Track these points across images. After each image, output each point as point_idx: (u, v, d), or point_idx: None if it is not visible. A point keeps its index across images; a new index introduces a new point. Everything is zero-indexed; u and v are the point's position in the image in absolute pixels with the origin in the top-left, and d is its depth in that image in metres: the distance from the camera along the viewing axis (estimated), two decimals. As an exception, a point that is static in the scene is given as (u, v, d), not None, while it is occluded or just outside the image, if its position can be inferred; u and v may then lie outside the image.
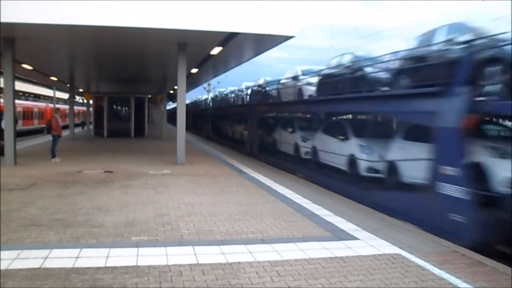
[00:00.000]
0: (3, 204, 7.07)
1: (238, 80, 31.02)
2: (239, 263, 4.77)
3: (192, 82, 27.47)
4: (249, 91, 24.27)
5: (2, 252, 4.77)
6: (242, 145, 22.49)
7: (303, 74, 16.47)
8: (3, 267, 4.38)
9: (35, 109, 38.72)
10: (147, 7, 10.00)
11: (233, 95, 28.91)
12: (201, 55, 15.00)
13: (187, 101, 51.53)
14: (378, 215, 7.70)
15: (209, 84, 47.65)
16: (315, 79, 15.18)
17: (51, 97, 45.69)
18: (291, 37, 11.09)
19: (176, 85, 13.50)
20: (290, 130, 16.93)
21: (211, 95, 41.12)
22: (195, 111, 43.26)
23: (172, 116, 38.43)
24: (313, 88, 15.09)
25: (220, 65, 19.96)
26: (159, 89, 29.69)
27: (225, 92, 32.30)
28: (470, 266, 5.05)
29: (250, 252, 5.15)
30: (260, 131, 20.23)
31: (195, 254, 4.99)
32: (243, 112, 23.64)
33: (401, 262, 5.04)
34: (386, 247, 5.58)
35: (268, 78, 22.60)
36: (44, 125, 36.13)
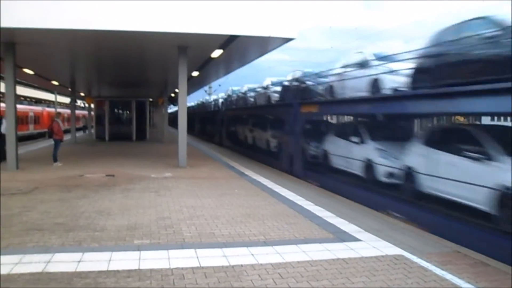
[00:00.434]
0: (5, 209, 7.08)
1: (239, 83, 30.09)
2: (242, 265, 4.76)
3: (193, 85, 27.48)
4: (277, 88, 19.16)
5: (4, 256, 4.77)
6: (275, 159, 17.01)
7: (379, 59, 11.59)
8: (5, 271, 4.39)
9: (31, 113, 35.71)
10: (148, 11, 10.03)
11: (253, 93, 23.46)
12: (202, 58, 15.02)
13: (192, 103, 51.30)
14: (380, 216, 7.69)
15: (210, 87, 47.73)
16: (404, 65, 10.14)
17: (53, 101, 45.87)
18: (291, 39, 11.10)
19: (177, 88, 13.51)
20: (356, 140, 11.87)
21: (221, 94, 35.31)
22: (203, 113, 39.17)
23: (174, 119, 37.36)
24: (401, 79, 10.18)
25: (221, 67, 19.99)
26: (160, 92, 29.75)
27: (242, 91, 26.70)
28: (472, 266, 5.04)
29: (252, 255, 5.14)
30: (307, 141, 15.04)
31: (197, 257, 4.99)
32: (273, 115, 19.18)
33: (404, 263, 5.03)
34: (388, 248, 5.57)
35: (309, 70, 17.39)
36: (40, 130, 35.83)
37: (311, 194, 9.51)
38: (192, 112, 44.50)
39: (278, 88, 19.05)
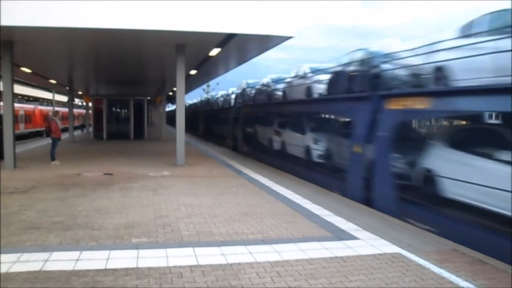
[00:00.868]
0: (3, 207, 7.06)
1: (236, 81, 29.75)
2: (240, 264, 4.77)
3: (191, 84, 27.44)
4: (322, 77, 13.87)
5: (2, 255, 4.77)
6: (332, 177, 11.25)
7: None
8: (3, 270, 4.38)
9: (21, 112, 32.67)
10: (146, 9, 10.01)
11: (284, 85, 17.75)
12: (200, 56, 15.01)
13: (195, 100, 50.77)
14: (378, 215, 7.70)
15: (208, 85, 47.69)
16: None
17: (49, 99, 45.71)
18: (289, 37, 11.11)
19: (175, 86, 13.50)
20: None
21: (232, 89, 30.47)
22: (209, 111, 34.96)
23: (173, 118, 35.76)
24: None
25: (219, 66, 19.97)
26: (158, 90, 29.71)
27: (263, 82, 21.30)
28: (470, 264, 5.05)
29: (250, 253, 5.15)
30: (403, 156, 9.07)
31: (195, 256, 5.00)
32: (328, 112, 13.99)
33: (401, 261, 5.04)
34: (386, 247, 5.59)
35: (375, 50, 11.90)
36: (32, 130, 35.00)
37: (309, 193, 9.51)
38: (195, 110, 42.81)
39: (324, 77, 13.83)
